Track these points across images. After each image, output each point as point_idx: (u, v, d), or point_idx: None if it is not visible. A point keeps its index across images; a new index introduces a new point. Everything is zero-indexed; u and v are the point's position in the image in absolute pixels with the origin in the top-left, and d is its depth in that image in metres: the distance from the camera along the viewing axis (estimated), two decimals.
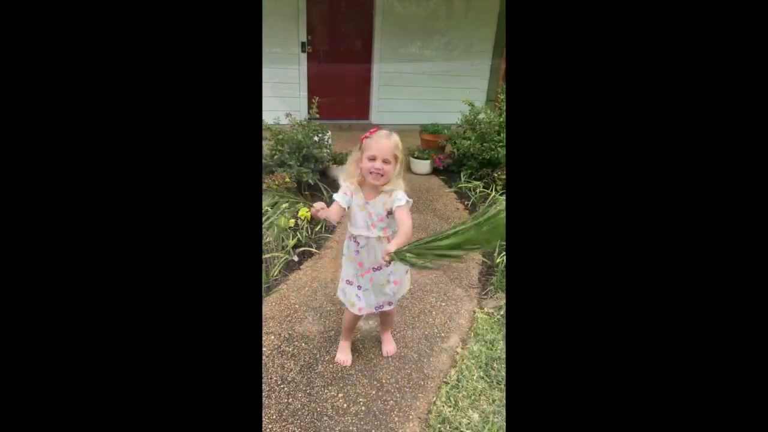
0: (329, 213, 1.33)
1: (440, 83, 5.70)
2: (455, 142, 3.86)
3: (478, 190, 3.37)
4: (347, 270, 1.49)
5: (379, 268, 1.44)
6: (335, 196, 1.38)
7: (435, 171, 3.99)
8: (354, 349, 1.69)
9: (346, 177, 1.42)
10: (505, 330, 1.81)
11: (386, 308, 1.53)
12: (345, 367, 1.60)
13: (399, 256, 1.10)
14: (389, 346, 1.69)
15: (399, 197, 1.30)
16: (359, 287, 1.48)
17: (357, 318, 1.57)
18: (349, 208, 1.37)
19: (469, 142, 3.67)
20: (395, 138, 1.31)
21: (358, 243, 1.41)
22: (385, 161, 1.28)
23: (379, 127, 1.38)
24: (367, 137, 1.32)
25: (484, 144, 3.53)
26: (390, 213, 1.34)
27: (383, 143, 1.28)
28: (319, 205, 1.29)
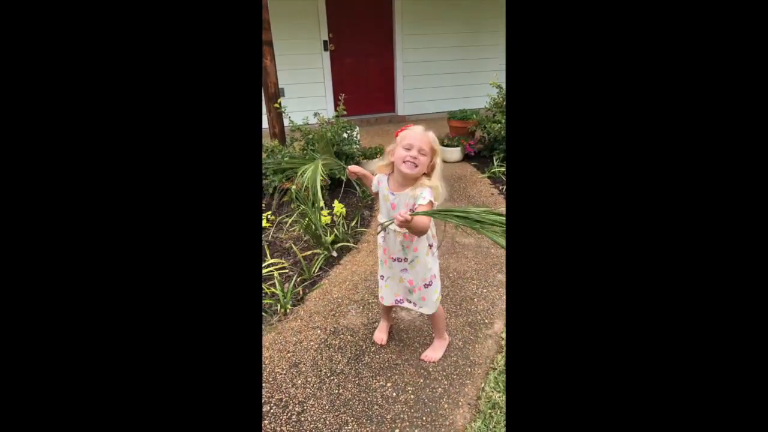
0: (366, 173, 1.47)
1: (465, 68, 5.60)
2: (485, 127, 3.79)
3: None
4: (378, 256, 1.56)
5: (398, 260, 1.47)
6: (376, 176, 1.48)
7: (466, 157, 3.94)
8: (399, 339, 1.71)
9: (377, 169, 1.45)
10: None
11: (408, 306, 1.55)
12: (382, 344, 1.69)
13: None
14: (427, 351, 1.63)
15: (424, 195, 1.29)
16: (382, 276, 1.55)
17: (385, 306, 1.62)
18: (378, 194, 1.46)
19: (499, 125, 3.59)
20: (432, 133, 1.34)
21: (385, 231, 1.46)
22: (421, 151, 1.29)
23: (413, 123, 1.41)
24: (403, 130, 1.35)
25: None
26: (412, 212, 1.33)
27: (420, 134, 1.31)
28: (354, 167, 1.45)
